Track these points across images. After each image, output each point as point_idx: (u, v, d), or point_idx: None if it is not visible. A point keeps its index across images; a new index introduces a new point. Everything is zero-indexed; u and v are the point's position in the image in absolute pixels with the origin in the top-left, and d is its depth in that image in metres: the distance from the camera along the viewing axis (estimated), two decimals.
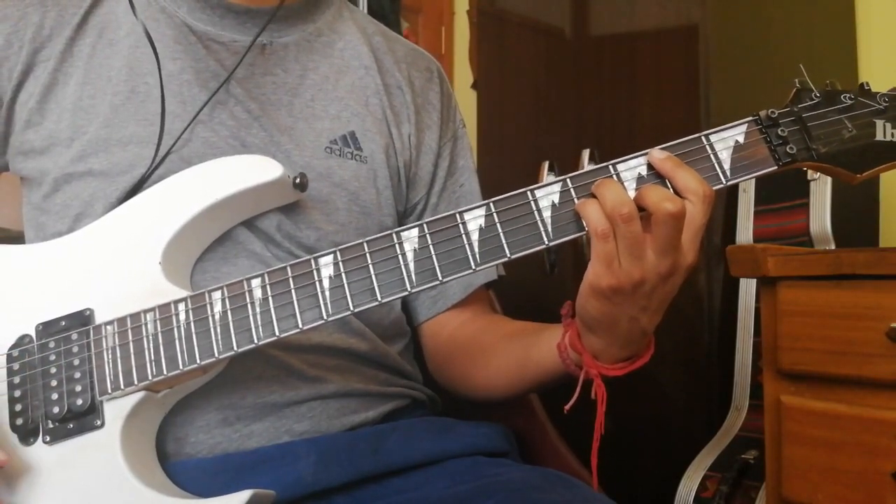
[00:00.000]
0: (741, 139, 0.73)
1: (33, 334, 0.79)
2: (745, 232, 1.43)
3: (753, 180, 1.41)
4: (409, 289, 0.72)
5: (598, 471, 1.00)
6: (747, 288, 1.40)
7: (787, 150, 0.73)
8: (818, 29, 1.70)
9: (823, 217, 1.31)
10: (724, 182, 0.72)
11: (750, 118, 0.74)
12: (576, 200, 0.72)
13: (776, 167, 0.73)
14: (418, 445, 0.86)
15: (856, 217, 1.41)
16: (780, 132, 0.73)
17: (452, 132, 1.03)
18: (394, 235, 0.73)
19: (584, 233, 0.71)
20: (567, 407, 0.78)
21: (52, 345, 0.78)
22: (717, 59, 1.46)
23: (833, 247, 1.30)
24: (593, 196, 0.71)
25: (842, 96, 0.74)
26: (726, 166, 0.73)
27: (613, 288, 0.72)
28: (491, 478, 0.82)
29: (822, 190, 1.32)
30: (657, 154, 0.72)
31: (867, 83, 0.74)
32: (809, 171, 1.34)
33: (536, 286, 1.68)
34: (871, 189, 1.45)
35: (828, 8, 1.75)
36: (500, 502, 0.75)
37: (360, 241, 0.73)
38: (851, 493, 0.97)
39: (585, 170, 0.73)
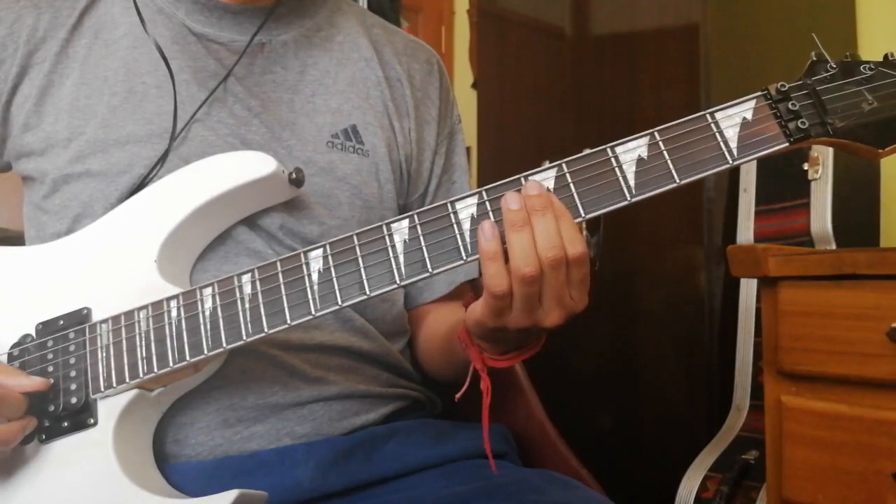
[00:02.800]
0: (749, 116, 0.68)
1: (34, 333, 0.79)
2: (745, 232, 1.42)
3: (755, 179, 1.42)
4: (398, 282, 0.70)
5: (599, 472, 1.00)
6: (748, 288, 1.40)
7: (799, 124, 0.67)
8: (819, 28, 1.69)
9: (824, 217, 1.31)
10: (731, 162, 0.68)
11: (759, 93, 0.69)
12: (572, 186, 0.69)
13: (787, 144, 0.68)
14: (416, 451, 0.86)
15: (857, 217, 1.41)
16: (790, 106, 0.68)
17: (450, 128, 1.03)
18: (384, 227, 0.71)
19: (581, 220, 0.69)
20: (457, 396, 0.75)
21: (50, 343, 0.78)
22: (717, 58, 1.46)
23: (834, 247, 1.30)
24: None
25: (861, 67, 0.68)
26: (733, 145, 0.68)
27: (500, 328, 0.69)
28: (489, 480, 0.81)
29: (822, 190, 1.32)
30: (510, 203, 0.67)
31: (892, 53, 0.69)
32: (811, 171, 1.33)
33: None
34: (872, 189, 1.45)
35: (829, 7, 1.74)
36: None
37: (350, 233, 0.72)
38: (852, 493, 0.97)
39: (582, 154, 0.70)
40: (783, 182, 1.38)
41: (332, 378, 0.86)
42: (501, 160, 1.90)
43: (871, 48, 1.74)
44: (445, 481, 0.82)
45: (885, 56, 0.69)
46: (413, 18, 2.65)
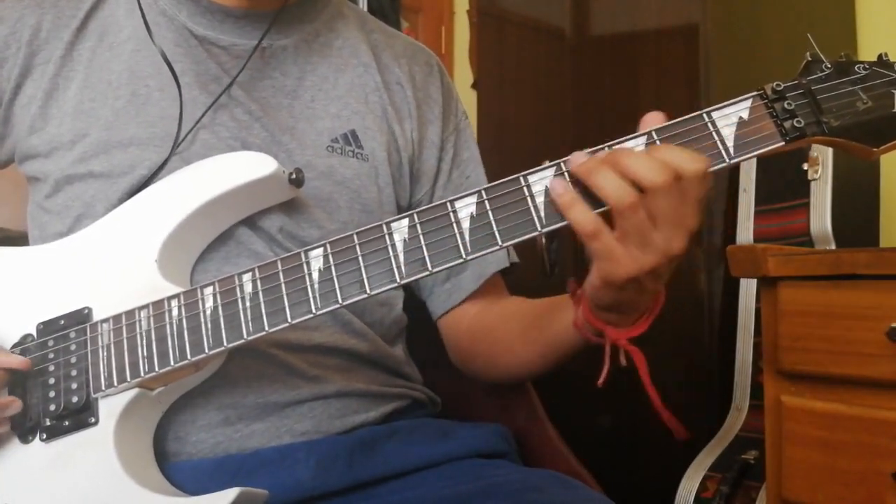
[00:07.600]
0: (745, 115, 0.69)
1: (35, 333, 0.80)
2: (745, 232, 1.42)
3: (754, 179, 1.42)
4: (398, 280, 0.70)
5: (597, 471, 1.00)
6: (747, 288, 1.40)
7: (795, 123, 0.68)
8: (819, 27, 1.70)
9: (824, 217, 1.31)
10: (728, 160, 0.68)
11: (754, 92, 0.70)
12: (571, 185, 0.69)
13: (783, 142, 0.68)
14: (417, 449, 0.86)
15: (856, 217, 1.41)
16: (786, 105, 0.68)
17: (455, 125, 1.03)
18: (384, 226, 0.72)
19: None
20: (601, 381, 0.75)
21: (51, 343, 0.79)
22: (717, 58, 1.46)
23: (833, 247, 1.30)
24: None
25: (856, 67, 0.69)
26: (730, 144, 0.68)
27: (629, 278, 0.69)
28: (490, 479, 0.82)
29: (822, 190, 1.32)
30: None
31: (886, 54, 0.69)
32: (810, 171, 1.34)
33: (536, 286, 1.67)
34: (872, 188, 1.45)
35: (828, 8, 1.74)
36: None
37: (350, 233, 0.72)
38: (851, 493, 0.97)
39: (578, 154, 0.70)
40: (783, 182, 1.38)
41: (330, 377, 0.86)
42: (501, 160, 1.89)
43: (870, 47, 1.74)
44: (446, 481, 0.82)
45: (879, 56, 0.70)
46: (413, 19, 2.65)
